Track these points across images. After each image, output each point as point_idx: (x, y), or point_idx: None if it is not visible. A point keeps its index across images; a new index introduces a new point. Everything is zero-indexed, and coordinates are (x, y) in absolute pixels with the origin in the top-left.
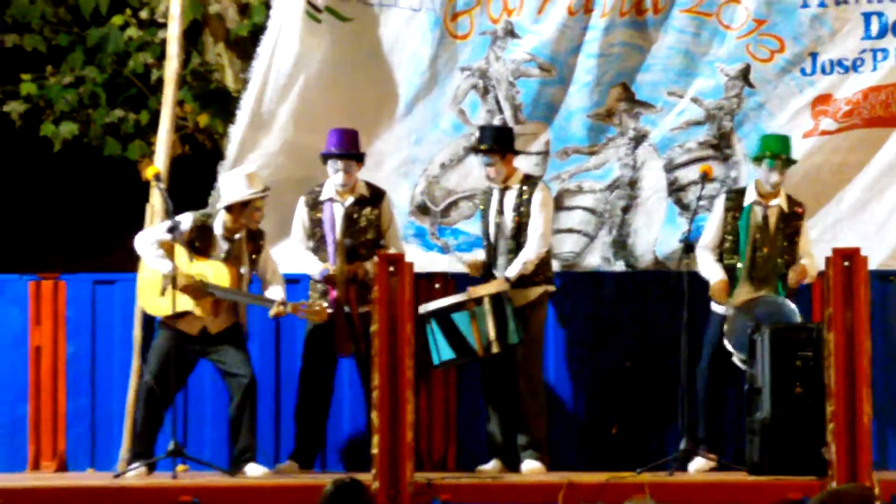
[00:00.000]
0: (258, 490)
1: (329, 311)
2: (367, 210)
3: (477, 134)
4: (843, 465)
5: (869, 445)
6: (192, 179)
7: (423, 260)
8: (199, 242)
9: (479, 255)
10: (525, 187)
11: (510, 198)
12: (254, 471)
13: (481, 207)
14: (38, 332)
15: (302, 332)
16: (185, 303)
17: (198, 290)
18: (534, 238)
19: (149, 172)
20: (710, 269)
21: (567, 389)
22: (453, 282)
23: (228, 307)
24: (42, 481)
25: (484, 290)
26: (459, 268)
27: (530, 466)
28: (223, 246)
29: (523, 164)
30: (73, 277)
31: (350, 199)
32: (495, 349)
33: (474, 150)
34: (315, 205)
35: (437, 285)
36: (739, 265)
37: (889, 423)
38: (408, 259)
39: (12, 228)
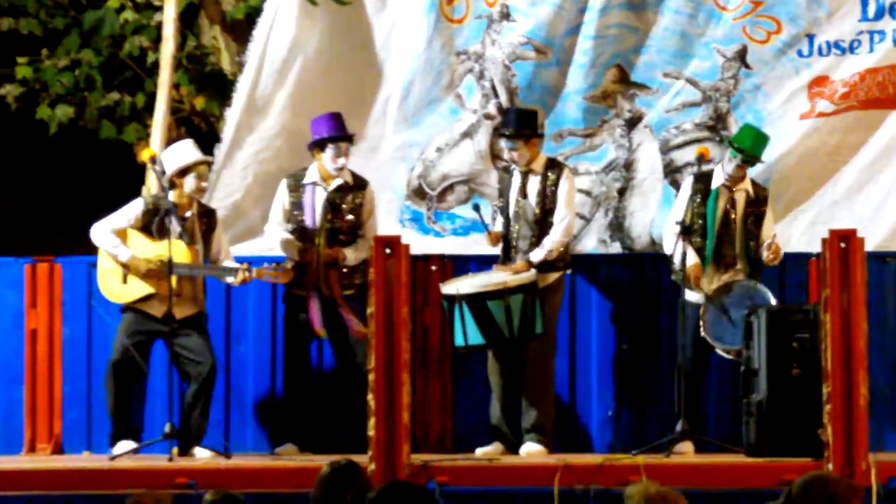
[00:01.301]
0: (254, 472)
1: (293, 271)
2: (350, 197)
3: (475, 117)
4: (840, 447)
5: (865, 427)
6: None
7: (419, 244)
8: (153, 225)
9: (498, 225)
10: (550, 173)
11: (534, 182)
12: (202, 454)
13: (498, 186)
14: (33, 315)
15: None
16: (148, 287)
17: (160, 271)
18: (560, 225)
19: (144, 155)
20: (675, 249)
21: (563, 372)
22: (450, 264)
23: (192, 296)
24: (38, 464)
25: (516, 279)
26: (455, 251)
27: (530, 449)
28: (176, 226)
29: None
30: (68, 260)
31: (334, 184)
32: (521, 339)
33: (499, 134)
34: (297, 187)
35: (433, 267)
36: (706, 249)
37: (885, 404)
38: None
39: (8, 211)
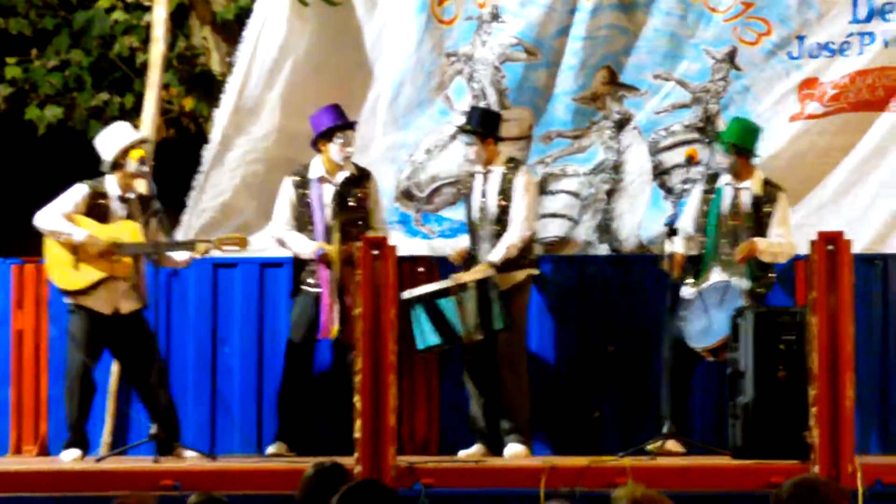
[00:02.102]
0: (239, 474)
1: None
2: (356, 189)
3: (464, 119)
4: (826, 449)
5: (851, 429)
6: (177, 163)
7: (407, 246)
8: (97, 210)
9: (463, 241)
10: (508, 171)
11: (493, 182)
12: (186, 453)
13: (464, 191)
14: (20, 316)
15: (287, 314)
16: (101, 272)
17: (113, 252)
18: (516, 222)
19: (133, 156)
20: (675, 242)
21: (549, 374)
22: (437, 265)
23: (138, 285)
24: (23, 465)
25: (469, 275)
26: (443, 253)
27: (513, 450)
28: (120, 209)
29: (507, 148)
30: None
31: (340, 177)
32: (480, 335)
33: (461, 129)
34: (303, 184)
35: (420, 269)
36: (707, 247)
37: (871, 407)
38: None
39: None
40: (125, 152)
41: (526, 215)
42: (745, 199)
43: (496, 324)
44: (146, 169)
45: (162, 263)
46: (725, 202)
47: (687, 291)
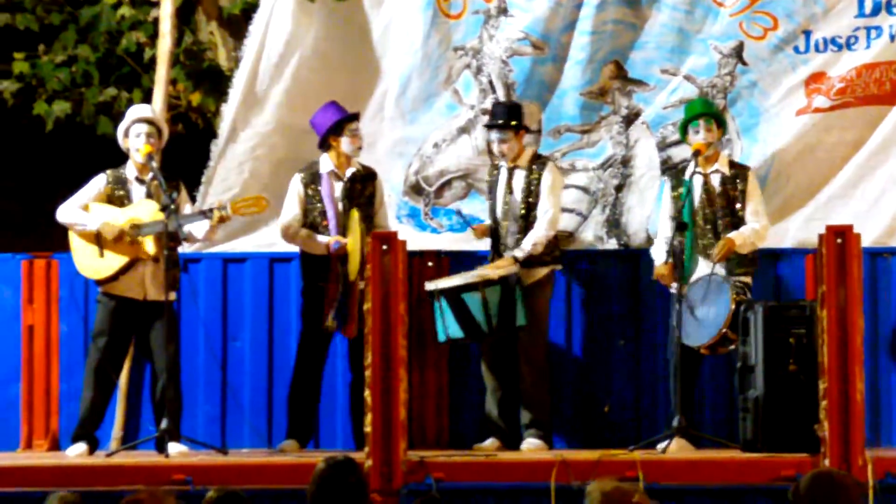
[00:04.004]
0: (251, 468)
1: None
2: (361, 187)
3: (472, 113)
4: (836, 443)
5: (862, 422)
6: (185, 158)
7: (416, 240)
8: (118, 195)
9: (488, 221)
10: (535, 167)
11: (519, 178)
12: (176, 449)
13: (488, 182)
14: (30, 312)
15: (295, 309)
16: (125, 256)
17: (133, 234)
18: (543, 219)
19: (142, 151)
20: (655, 252)
21: (560, 368)
22: (447, 260)
23: (165, 275)
24: (35, 460)
25: (495, 271)
26: (453, 247)
27: (532, 445)
28: (140, 191)
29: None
30: (65, 256)
31: (349, 172)
32: (502, 331)
33: (487, 126)
34: (313, 179)
35: (429, 263)
36: (686, 241)
37: (881, 400)
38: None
39: (5, 207)
40: (125, 134)
41: (553, 213)
42: (716, 183)
43: (519, 320)
44: (155, 165)
45: (189, 240)
46: (697, 192)
47: (675, 290)
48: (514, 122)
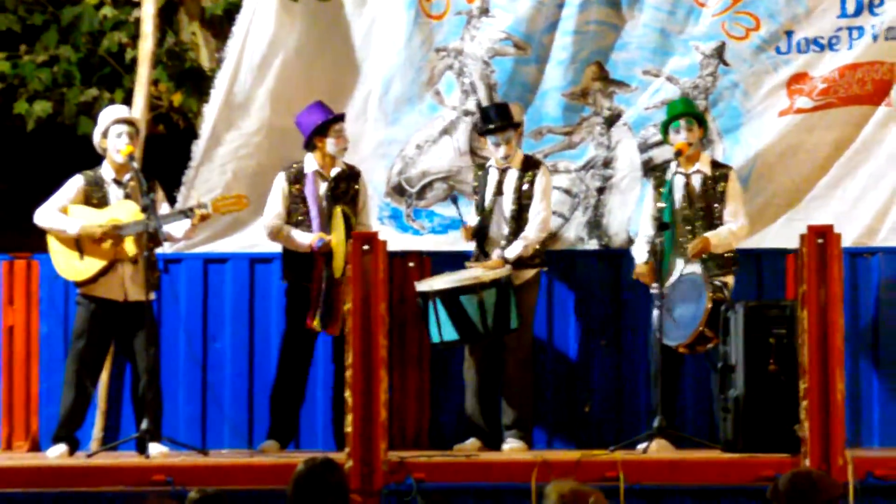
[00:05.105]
0: (231, 469)
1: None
2: (345, 186)
3: (454, 114)
4: (817, 443)
5: (842, 422)
6: (167, 159)
7: (397, 242)
8: (96, 197)
9: (473, 220)
10: (526, 169)
11: (511, 179)
12: (156, 450)
13: (474, 182)
14: (10, 312)
15: (276, 310)
16: (104, 259)
17: (114, 234)
18: (535, 221)
19: (123, 152)
20: (636, 251)
21: (541, 368)
22: (429, 260)
23: (144, 276)
24: (15, 461)
25: (490, 274)
26: (433, 248)
27: (513, 445)
28: (117, 192)
29: None
30: (45, 257)
31: (334, 172)
32: (496, 334)
33: (483, 131)
34: (298, 178)
35: (410, 264)
36: (666, 240)
37: (861, 400)
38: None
39: None
40: (104, 135)
41: (545, 216)
42: (697, 183)
43: (513, 322)
44: (135, 165)
45: (169, 240)
46: (678, 192)
47: (655, 290)
48: (514, 123)
